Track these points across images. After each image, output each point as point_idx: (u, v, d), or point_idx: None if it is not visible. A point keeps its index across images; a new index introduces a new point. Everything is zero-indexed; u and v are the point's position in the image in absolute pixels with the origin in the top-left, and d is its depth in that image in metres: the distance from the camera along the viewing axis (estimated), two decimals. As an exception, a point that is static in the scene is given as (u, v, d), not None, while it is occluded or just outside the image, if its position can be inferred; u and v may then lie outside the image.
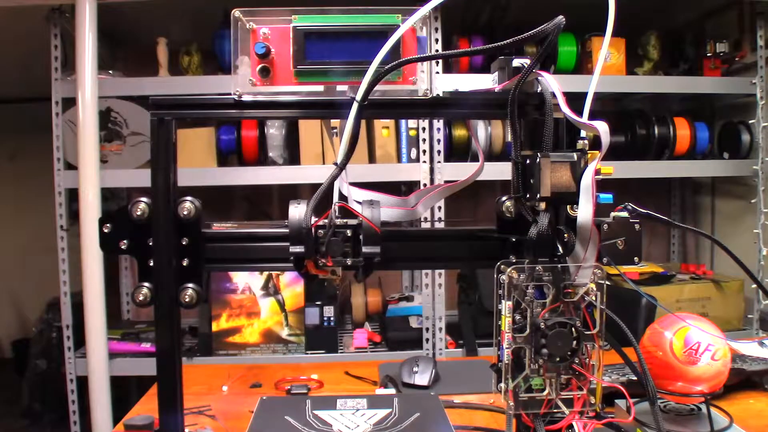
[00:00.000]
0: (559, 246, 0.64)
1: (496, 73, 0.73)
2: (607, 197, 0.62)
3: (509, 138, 0.66)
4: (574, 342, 0.62)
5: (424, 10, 0.66)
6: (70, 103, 1.83)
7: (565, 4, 0.98)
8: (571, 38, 2.03)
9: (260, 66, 0.69)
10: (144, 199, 0.70)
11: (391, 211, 0.76)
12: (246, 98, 0.70)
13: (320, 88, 0.71)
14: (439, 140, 1.91)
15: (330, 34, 0.69)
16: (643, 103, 2.31)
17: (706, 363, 0.89)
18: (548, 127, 0.65)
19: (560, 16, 0.61)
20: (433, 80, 1.82)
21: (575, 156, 0.63)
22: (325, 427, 0.92)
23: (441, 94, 0.75)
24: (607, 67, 2.00)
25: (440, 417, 0.95)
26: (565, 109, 0.63)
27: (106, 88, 1.84)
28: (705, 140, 2.14)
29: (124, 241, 0.71)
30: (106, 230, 0.71)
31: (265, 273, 1.89)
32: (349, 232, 0.68)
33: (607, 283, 0.63)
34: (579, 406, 0.64)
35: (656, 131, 2.08)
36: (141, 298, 0.70)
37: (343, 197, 0.73)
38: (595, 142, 0.62)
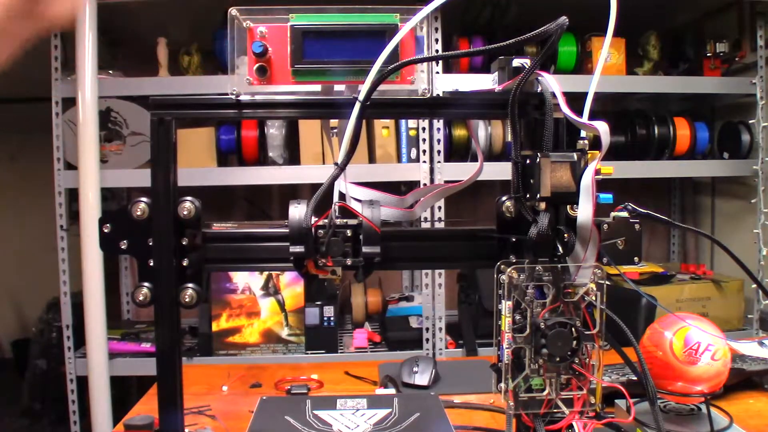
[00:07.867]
0: (559, 246, 0.64)
1: (496, 73, 0.73)
2: (607, 197, 0.62)
3: (509, 138, 0.66)
4: (574, 342, 0.62)
5: (426, 11, 0.66)
6: (70, 103, 1.83)
7: (565, 4, 0.98)
8: (571, 38, 2.03)
9: (257, 65, 0.69)
10: (144, 199, 0.70)
11: (388, 211, 0.76)
12: (243, 98, 0.70)
13: (318, 87, 0.71)
14: (439, 140, 1.91)
15: (328, 33, 0.69)
16: (643, 103, 2.31)
17: (706, 363, 0.89)
18: (548, 127, 0.65)
19: (563, 17, 0.61)
20: (433, 80, 1.82)
21: (575, 156, 0.63)
22: (325, 427, 0.92)
23: (441, 94, 0.75)
24: (607, 67, 2.00)
25: (440, 417, 0.95)
26: (566, 110, 0.63)
27: (106, 88, 1.84)
28: (705, 140, 2.14)
29: (124, 241, 0.71)
30: (106, 230, 0.71)
31: (265, 273, 1.89)
32: (349, 232, 0.68)
33: (607, 283, 0.63)
34: (579, 406, 0.64)
35: (656, 131, 2.08)
36: (141, 298, 0.70)
37: (342, 196, 0.73)
38: (595, 142, 0.61)
